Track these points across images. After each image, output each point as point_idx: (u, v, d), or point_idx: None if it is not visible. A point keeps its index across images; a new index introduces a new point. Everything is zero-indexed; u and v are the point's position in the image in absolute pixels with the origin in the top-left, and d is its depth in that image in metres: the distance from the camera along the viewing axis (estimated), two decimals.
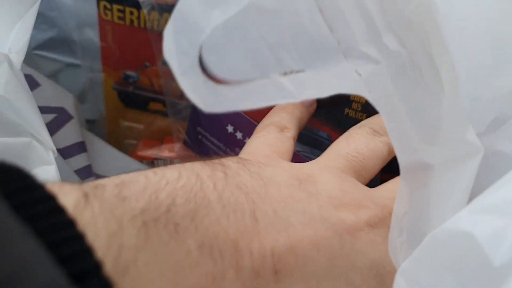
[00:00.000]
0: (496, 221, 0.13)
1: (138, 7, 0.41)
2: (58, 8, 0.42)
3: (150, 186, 0.17)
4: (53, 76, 0.44)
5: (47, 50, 0.44)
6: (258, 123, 0.28)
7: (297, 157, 0.31)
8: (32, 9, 0.27)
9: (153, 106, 0.45)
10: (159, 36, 0.41)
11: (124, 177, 0.17)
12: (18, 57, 0.25)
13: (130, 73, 0.44)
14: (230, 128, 0.37)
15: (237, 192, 0.19)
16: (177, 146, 0.44)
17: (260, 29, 0.15)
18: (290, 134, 0.26)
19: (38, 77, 0.35)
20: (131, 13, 0.41)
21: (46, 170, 0.23)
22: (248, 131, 0.36)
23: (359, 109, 0.32)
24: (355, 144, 0.25)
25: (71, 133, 0.34)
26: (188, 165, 0.19)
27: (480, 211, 0.14)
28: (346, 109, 0.32)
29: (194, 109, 0.41)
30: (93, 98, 0.45)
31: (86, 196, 0.15)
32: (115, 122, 0.46)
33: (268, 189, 0.20)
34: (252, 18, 0.15)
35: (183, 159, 0.43)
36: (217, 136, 0.39)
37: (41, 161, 0.24)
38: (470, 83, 0.16)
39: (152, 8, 0.39)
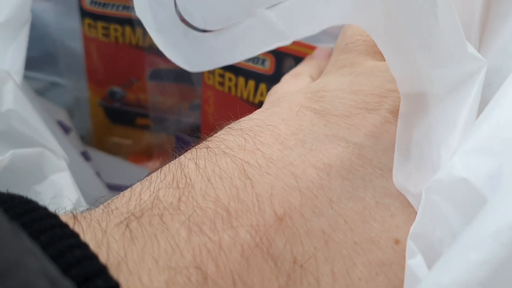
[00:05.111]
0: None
1: (122, 24, 0.41)
2: (41, 26, 0.43)
3: (134, 193, 0.17)
4: (38, 95, 0.44)
5: (31, 69, 0.44)
6: None
7: None
8: (24, 29, 0.28)
9: (140, 121, 0.45)
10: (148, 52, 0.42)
11: (114, 197, 0.18)
12: (17, 77, 0.26)
13: (116, 89, 0.44)
14: None
15: (223, 159, 0.18)
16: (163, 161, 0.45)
17: None
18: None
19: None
20: (116, 30, 0.42)
21: (61, 176, 0.24)
22: None
23: None
24: None
25: (74, 143, 0.35)
26: (175, 159, 0.19)
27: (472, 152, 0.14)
28: None
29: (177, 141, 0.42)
30: (80, 115, 0.45)
31: (74, 217, 0.16)
32: (103, 138, 0.46)
33: (256, 138, 0.19)
34: None
35: None
36: None
37: (55, 169, 0.24)
38: None
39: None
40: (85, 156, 0.37)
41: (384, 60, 0.22)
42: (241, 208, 0.17)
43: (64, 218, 0.15)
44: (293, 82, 0.27)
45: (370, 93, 0.21)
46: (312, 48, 0.32)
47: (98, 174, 0.37)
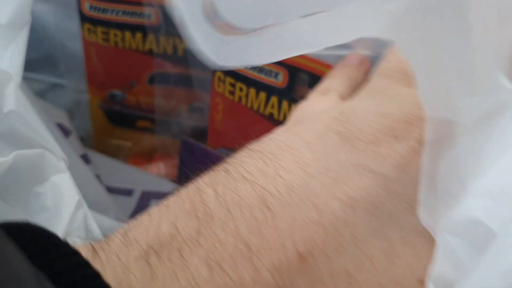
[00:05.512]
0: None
1: (121, 29, 0.42)
2: (41, 28, 0.43)
3: (153, 221, 0.17)
4: (38, 97, 0.44)
5: (31, 71, 0.45)
6: None
7: None
8: (23, 31, 0.28)
9: (141, 123, 0.45)
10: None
11: (131, 222, 0.17)
12: (15, 79, 0.26)
13: (116, 92, 0.45)
14: None
15: (242, 186, 0.18)
16: (166, 163, 0.45)
17: None
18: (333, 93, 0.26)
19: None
20: (115, 35, 0.42)
21: (61, 177, 0.24)
22: None
23: None
24: None
25: (74, 146, 0.35)
26: (193, 183, 0.19)
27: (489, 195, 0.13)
28: None
29: (182, 151, 0.42)
30: (80, 117, 0.46)
31: (94, 249, 0.16)
32: (103, 140, 0.46)
33: (278, 162, 0.19)
34: None
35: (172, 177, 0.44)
36: None
37: (55, 170, 0.25)
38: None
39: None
40: (85, 158, 0.37)
41: None
42: (262, 244, 0.16)
43: (83, 251, 0.15)
44: (321, 100, 0.26)
45: (398, 119, 0.20)
46: (325, 66, 0.31)
47: (98, 176, 0.37)
